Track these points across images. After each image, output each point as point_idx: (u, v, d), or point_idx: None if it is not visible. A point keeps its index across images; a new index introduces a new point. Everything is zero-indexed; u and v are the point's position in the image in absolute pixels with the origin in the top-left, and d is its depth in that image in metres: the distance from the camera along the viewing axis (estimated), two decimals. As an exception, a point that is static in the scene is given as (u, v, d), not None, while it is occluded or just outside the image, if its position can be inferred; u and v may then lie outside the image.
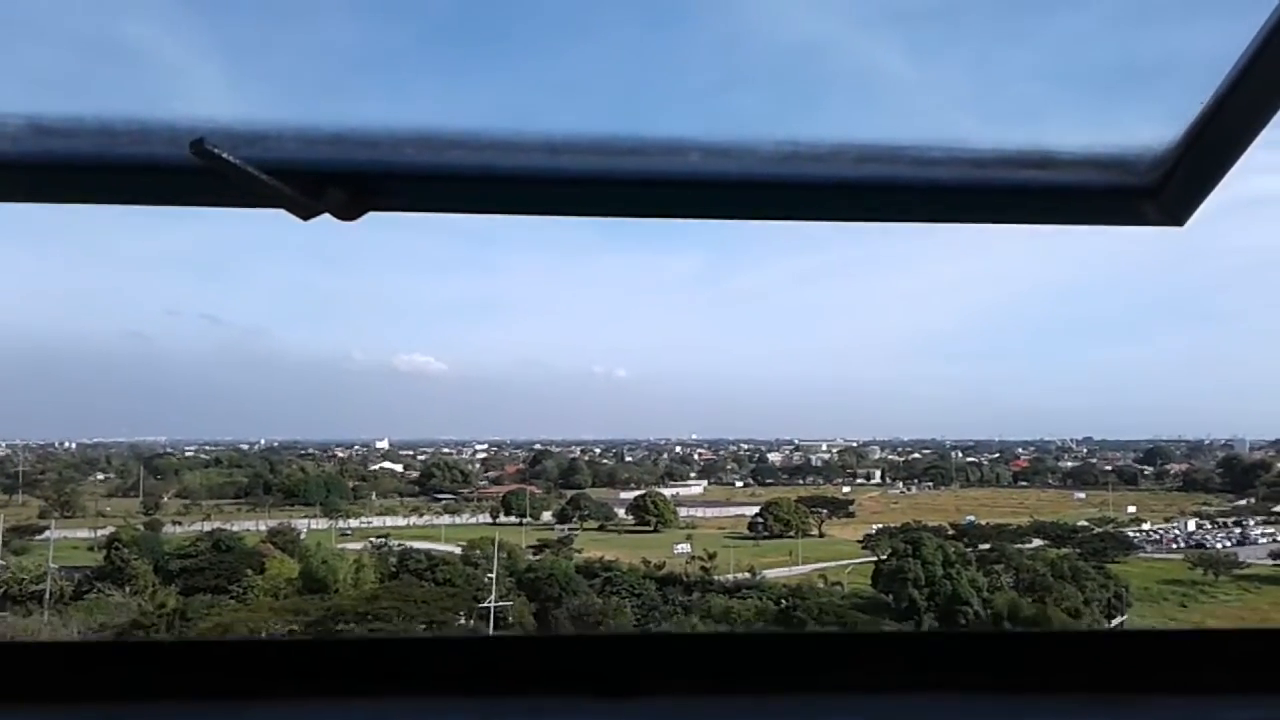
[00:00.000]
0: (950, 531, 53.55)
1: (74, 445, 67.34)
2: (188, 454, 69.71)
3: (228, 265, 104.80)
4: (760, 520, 61.83)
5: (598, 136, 1.36)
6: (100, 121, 1.42)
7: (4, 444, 62.55)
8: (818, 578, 47.48)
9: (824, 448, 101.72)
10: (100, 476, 63.21)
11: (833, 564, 51.19)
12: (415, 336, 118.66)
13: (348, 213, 1.33)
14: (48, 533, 49.71)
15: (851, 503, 70.76)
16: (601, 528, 62.75)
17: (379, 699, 1.19)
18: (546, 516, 64.13)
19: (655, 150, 1.36)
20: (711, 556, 50.45)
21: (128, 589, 40.46)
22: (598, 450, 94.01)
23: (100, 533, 49.76)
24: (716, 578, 46.66)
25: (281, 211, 1.35)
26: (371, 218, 1.37)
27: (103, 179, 1.43)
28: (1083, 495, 76.06)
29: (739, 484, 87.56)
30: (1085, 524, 58.67)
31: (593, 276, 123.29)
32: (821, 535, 62.12)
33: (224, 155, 1.21)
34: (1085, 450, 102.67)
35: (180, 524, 54.20)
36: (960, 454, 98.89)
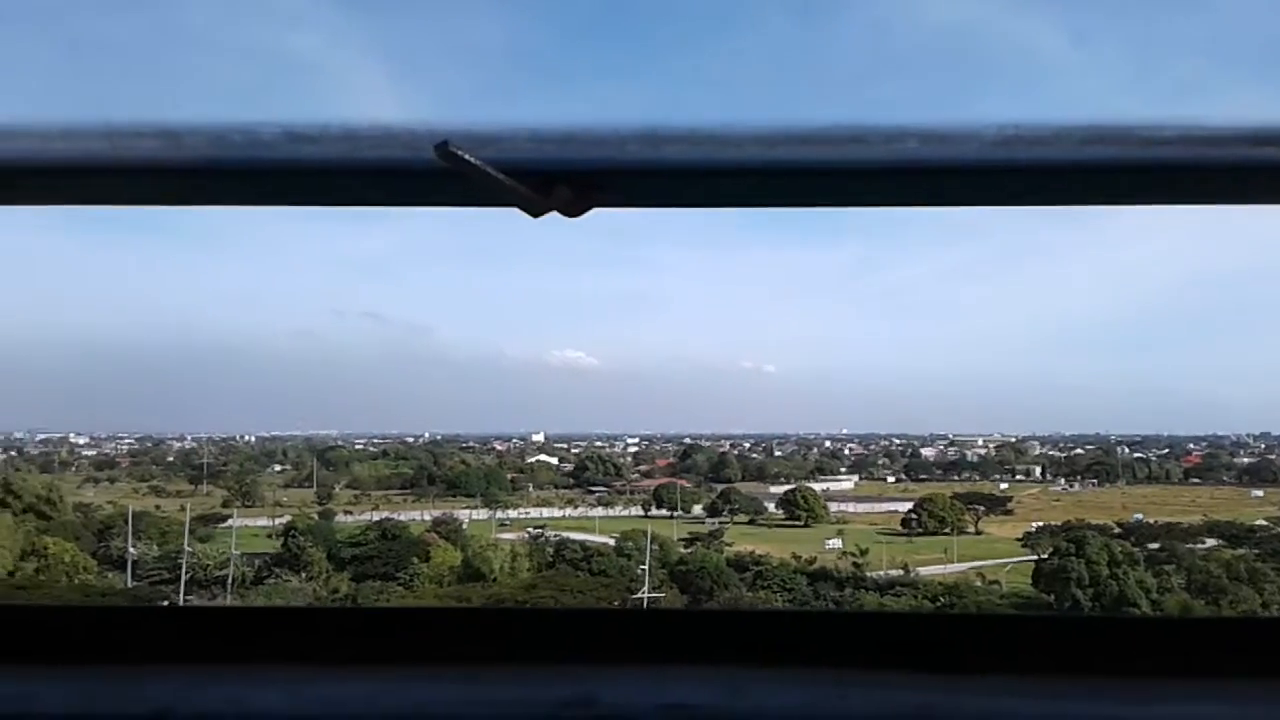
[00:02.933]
0: (1116, 530, 51.57)
1: (253, 439, 71.51)
2: (357, 447, 73.20)
3: (390, 265, 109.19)
4: (914, 516, 60.88)
5: (818, 127, 1.38)
6: (345, 127, 1.49)
7: (190, 437, 66.89)
8: (975, 576, 46.54)
9: (980, 442, 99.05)
10: (277, 468, 66.97)
11: (990, 562, 50.04)
12: (567, 332, 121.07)
13: (573, 209, 1.38)
14: (230, 521, 52.87)
15: (1010, 499, 68.82)
16: (751, 522, 62.96)
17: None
18: (697, 510, 64.74)
19: (876, 139, 1.36)
20: (863, 552, 50.06)
21: (303, 575, 42.89)
22: (747, 445, 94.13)
23: (278, 521, 52.71)
24: (869, 574, 46.29)
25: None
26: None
27: (348, 182, 1.50)
28: (1260, 493, 71.89)
29: (891, 479, 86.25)
30: (1264, 523, 55.52)
31: (742, 271, 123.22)
32: (978, 532, 60.73)
33: (467, 157, 1.29)
34: (1263, 445, 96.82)
35: (351, 513, 56.90)
36: (1126, 449, 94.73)
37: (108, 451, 65.30)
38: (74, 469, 61.10)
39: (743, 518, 63.45)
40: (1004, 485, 78.20)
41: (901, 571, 47.28)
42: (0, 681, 1.08)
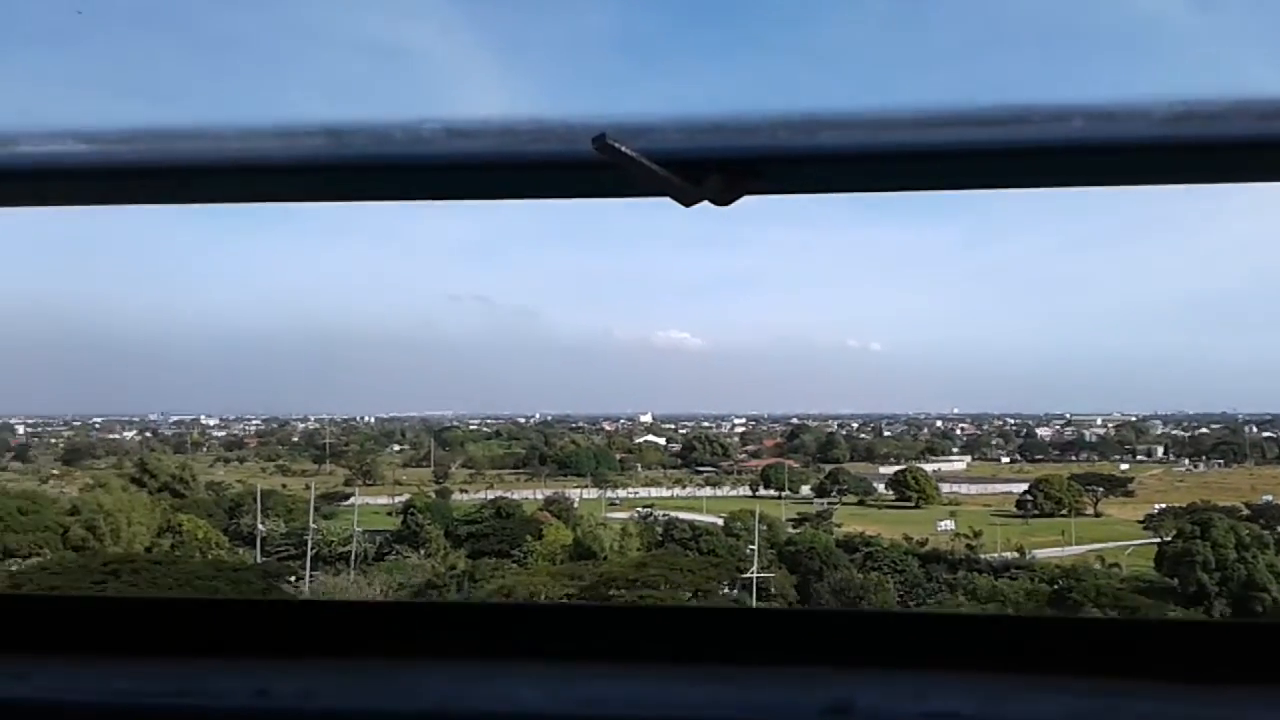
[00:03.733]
0: (1245, 512, 49.63)
1: (373, 420, 73.66)
2: (471, 427, 74.80)
3: (500, 250, 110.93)
4: (1029, 498, 59.56)
5: (979, 108, 1.36)
6: (504, 122, 1.54)
7: (313, 419, 69.25)
8: (1094, 559, 45.42)
9: (1099, 422, 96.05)
10: (396, 448, 68.88)
11: (1110, 545, 48.72)
12: (672, 314, 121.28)
13: (724, 197, 1.39)
14: (352, 499, 54.77)
15: (1130, 480, 66.73)
16: (861, 503, 62.46)
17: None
18: (805, 490, 64.50)
19: (1041, 118, 1.33)
20: (977, 534, 49.26)
21: (422, 551, 44.23)
22: (855, 425, 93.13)
23: (397, 499, 54.30)
24: (983, 556, 45.57)
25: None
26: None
27: (506, 177, 1.54)
28: (1404, 474, 68.15)
29: (1005, 460, 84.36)
30: None
31: (846, 250, 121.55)
32: (1097, 515, 59.11)
33: (624, 149, 1.29)
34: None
35: (466, 492, 58.28)
36: (1254, 428, 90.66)
37: (236, 432, 68.20)
38: (205, 449, 63.96)
39: (851, 498, 62.98)
40: (1124, 466, 75.79)
41: (1016, 554, 46.40)
42: (281, 676, 1.12)
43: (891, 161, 1.40)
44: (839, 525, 51.93)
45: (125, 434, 63.75)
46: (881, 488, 64.81)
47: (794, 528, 50.56)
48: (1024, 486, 61.98)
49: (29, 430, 63.61)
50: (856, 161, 1.39)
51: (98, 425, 65.97)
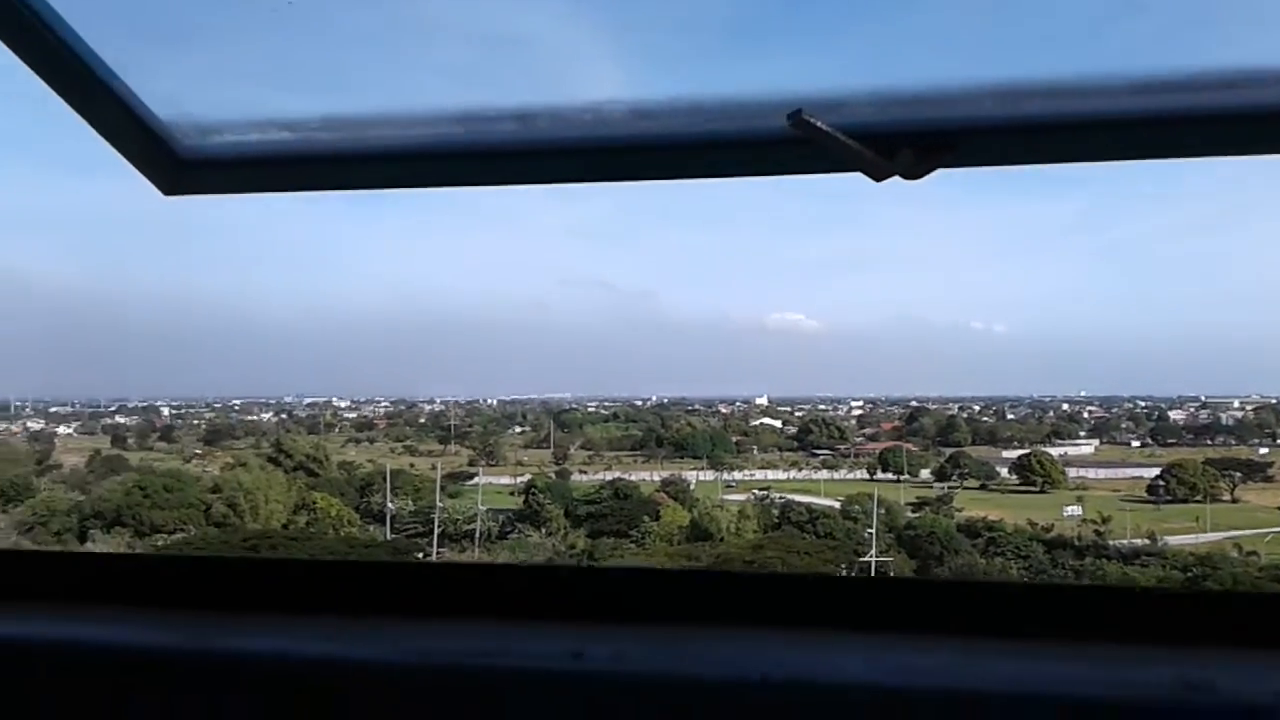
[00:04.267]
0: (1397, 500, 47.05)
1: (495, 402, 74.99)
2: (590, 409, 75.59)
3: (617, 233, 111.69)
4: (1161, 483, 57.47)
5: (1196, 72, 1.29)
6: (691, 101, 1.53)
7: (439, 400, 70.98)
8: (1230, 547, 43.71)
9: (1236, 405, 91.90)
10: (517, 429, 70.11)
11: (1249, 532, 46.74)
12: (786, 295, 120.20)
13: (915, 172, 1.34)
14: (476, 479, 56.14)
15: (1270, 465, 63.73)
16: (983, 487, 61.21)
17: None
18: (925, 474, 63.50)
19: (1270, 81, 1.26)
20: (1105, 520, 47.87)
21: (543, 530, 45.21)
22: (977, 408, 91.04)
23: (519, 479, 55.36)
24: (1111, 543, 44.28)
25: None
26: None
27: (699, 155, 1.52)
28: None
29: (1135, 444, 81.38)
30: None
31: (963, 229, 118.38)
32: (1235, 501, 56.69)
33: (819, 124, 1.26)
34: None
35: (585, 473, 59.07)
36: None
37: (367, 414, 70.28)
38: (337, 430, 66.18)
39: (973, 483, 61.73)
40: (1264, 450, 72.37)
41: (1147, 540, 44.96)
42: (594, 639, 1.12)
43: (1101, 129, 1.34)
44: (960, 510, 51.06)
45: (263, 415, 66.56)
46: (1004, 472, 63.33)
47: (913, 512, 49.95)
48: (1156, 471, 59.81)
49: (173, 412, 66.91)
50: (1061, 130, 1.34)
51: (237, 407, 68.95)
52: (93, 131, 1.80)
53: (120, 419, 65.31)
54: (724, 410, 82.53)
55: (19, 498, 45.47)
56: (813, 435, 73.36)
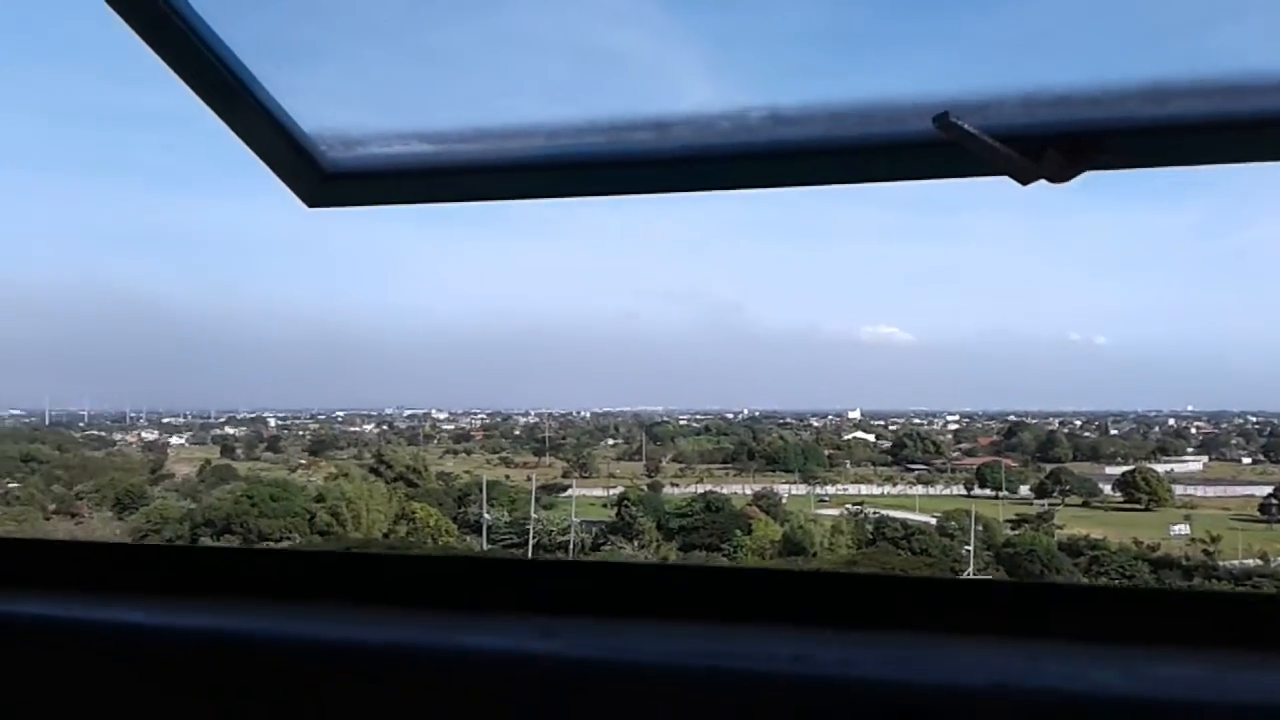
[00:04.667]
0: None
1: (588, 414, 75.57)
2: (681, 422, 75.73)
3: (706, 246, 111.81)
4: (1274, 501, 55.24)
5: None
6: (828, 108, 1.49)
7: (533, 413, 71.83)
8: (1349, 568, 41.91)
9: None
10: (610, 442, 70.56)
11: (1370, 554, 44.76)
12: (879, 308, 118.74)
13: (1063, 174, 1.30)
14: (569, 490, 56.75)
15: (1395, 485, 60.85)
16: (1085, 504, 59.62)
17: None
18: (1024, 490, 62.15)
19: None
20: (1214, 539, 46.27)
21: (635, 543, 45.54)
22: (1078, 422, 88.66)
23: (611, 492, 55.80)
24: (1221, 563, 42.81)
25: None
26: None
27: (838, 161, 1.50)
28: None
29: (1247, 460, 78.42)
30: None
31: (1065, 237, 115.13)
32: (1355, 521, 54.30)
33: (967, 126, 1.23)
34: None
35: (677, 486, 59.18)
36: None
37: (464, 426, 71.42)
38: (435, 442, 67.41)
39: (1075, 499, 60.17)
40: (1388, 469, 69.11)
41: (1259, 561, 43.35)
42: (817, 644, 1.08)
43: (1258, 129, 1.28)
44: (1061, 527, 49.89)
45: (364, 427, 68.24)
46: (1108, 489, 61.60)
47: (1012, 529, 48.98)
48: (1268, 489, 57.58)
49: (279, 423, 68.99)
50: (1214, 130, 1.28)
51: (340, 418, 70.74)
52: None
53: (229, 430, 67.66)
54: (816, 424, 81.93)
55: (134, 506, 47.57)
56: (907, 450, 72.32)
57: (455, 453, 65.17)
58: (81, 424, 65.23)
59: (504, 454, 65.36)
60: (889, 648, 1.09)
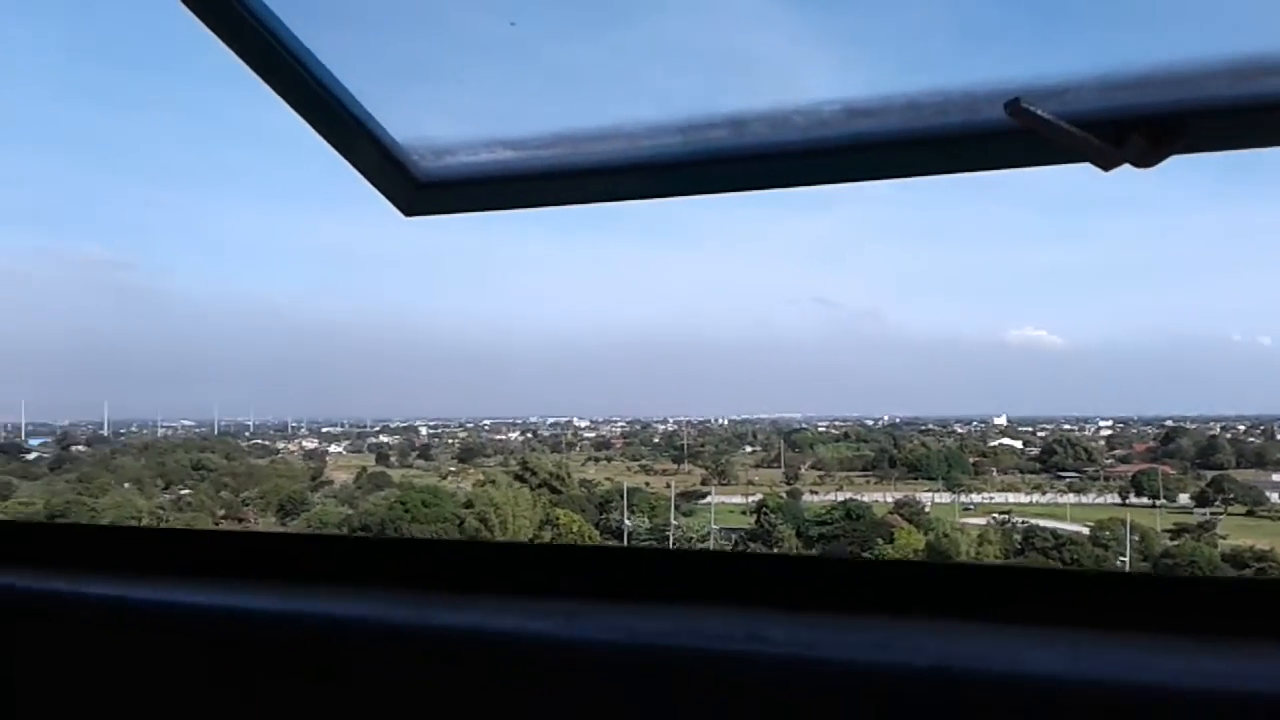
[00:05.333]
0: None
1: (726, 421, 75.77)
2: (820, 429, 75.22)
3: (840, 250, 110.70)
4: None
5: None
6: (907, 97, 1.46)
7: (672, 420, 72.46)
8: None
9: None
10: (748, 449, 70.49)
11: None
12: (1025, 310, 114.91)
13: (1147, 159, 1.25)
14: (708, 498, 57.06)
15: None
16: (1250, 513, 56.61)
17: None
18: (1183, 499, 59.45)
19: None
20: (1396, 551, 43.51)
21: (775, 550, 45.56)
22: (1241, 427, 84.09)
23: (750, 499, 55.85)
24: (1403, 576, 40.19)
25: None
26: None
27: (917, 153, 1.47)
28: None
29: None
30: None
31: (1216, 234, 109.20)
32: None
33: (1040, 113, 1.19)
34: None
35: (816, 493, 58.64)
36: None
37: (604, 434, 72.47)
38: (578, 449, 68.63)
39: (1239, 508, 57.18)
40: None
41: None
42: (774, 623, 1.10)
43: None
44: (1224, 538, 47.59)
45: (510, 435, 70.04)
46: (1275, 497, 58.41)
47: (1171, 539, 47.01)
48: None
49: (430, 431, 71.38)
50: None
51: (487, 427, 72.71)
52: (337, 166, 1.90)
53: (384, 438, 70.38)
54: (960, 430, 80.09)
55: (296, 511, 50.21)
56: (1057, 456, 69.98)
57: (596, 460, 66.05)
58: (247, 433, 68.87)
59: (644, 461, 65.87)
60: (852, 628, 1.11)
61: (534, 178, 1.83)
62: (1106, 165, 1.27)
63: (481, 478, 56.27)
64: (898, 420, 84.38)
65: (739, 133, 1.63)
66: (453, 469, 61.29)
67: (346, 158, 1.88)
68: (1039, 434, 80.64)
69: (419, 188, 1.91)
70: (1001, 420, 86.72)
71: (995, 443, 77.16)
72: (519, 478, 54.72)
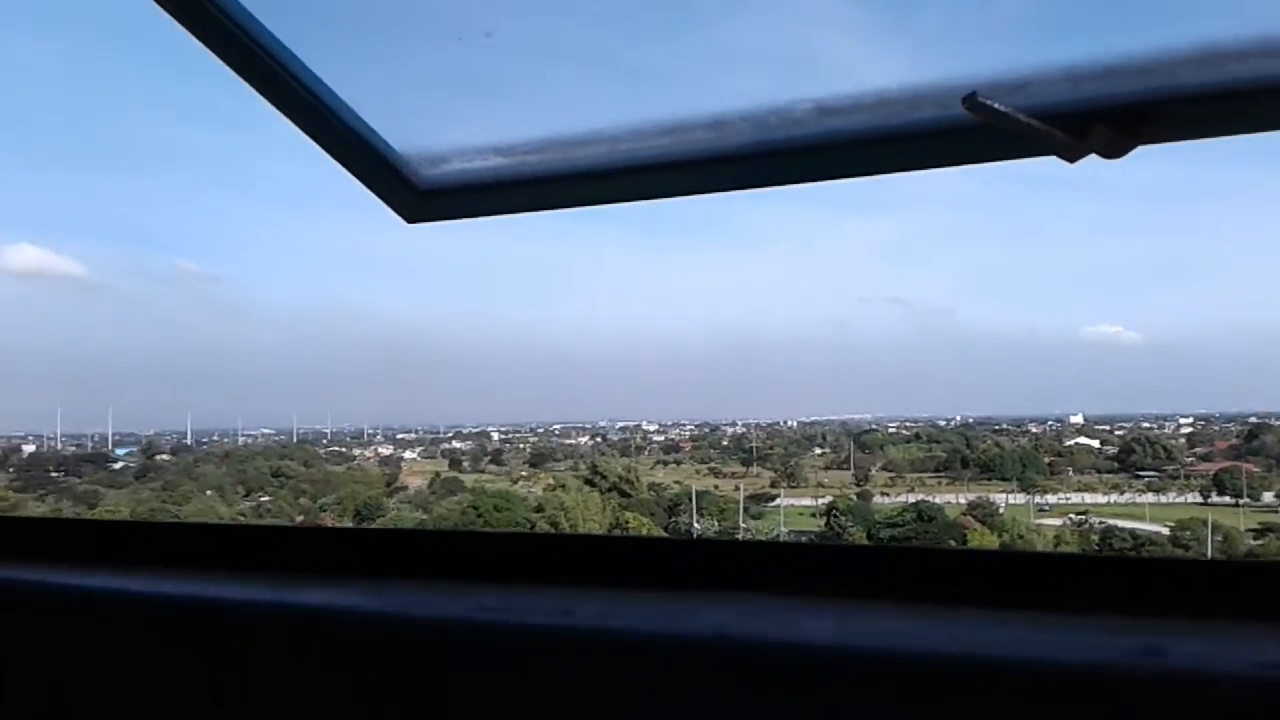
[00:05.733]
0: None
1: (795, 424, 75.40)
2: (890, 430, 74.47)
3: (910, 250, 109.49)
4: None
5: None
6: (878, 93, 1.46)
7: (740, 423, 72.32)
8: None
9: None
10: (818, 451, 70.08)
11: None
12: (1101, 306, 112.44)
13: (1113, 150, 1.26)
14: (777, 500, 56.93)
15: None
16: (1341, 512, 54.89)
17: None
18: (1268, 498, 57.76)
19: None
20: None
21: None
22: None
23: (820, 501, 55.56)
24: None
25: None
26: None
27: (880, 150, 1.48)
28: None
29: None
30: None
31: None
32: None
33: (996, 106, 1.20)
34: None
35: (887, 495, 58.09)
36: None
37: (673, 437, 72.59)
38: (646, 453, 68.92)
39: (1333, 508, 55.47)
40: None
41: None
42: (584, 600, 1.12)
43: None
44: (1313, 537, 46.24)
45: (580, 439, 70.53)
46: (1366, 495, 56.50)
47: (1255, 539, 45.77)
48: None
49: (501, 437, 72.19)
50: (1267, 95, 1.23)
51: (557, 431, 73.28)
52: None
53: (456, 444, 71.37)
54: (1034, 429, 78.62)
55: (372, 516, 51.25)
56: (1135, 455, 68.39)
57: (665, 463, 66.15)
58: (325, 440, 70.30)
59: (712, 464, 65.83)
60: (647, 602, 1.15)
61: (526, 183, 1.87)
62: (1071, 157, 1.29)
63: (552, 482, 56.80)
64: (971, 420, 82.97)
65: (720, 134, 1.65)
66: (524, 474, 61.94)
67: (347, 168, 1.91)
68: (1117, 433, 78.67)
69: (420, 195, 1.95)
70: (1078, 419, 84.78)
71: (1071, 442, 75.51)
72: (589, 482, 55.12)
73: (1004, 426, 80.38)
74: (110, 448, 59.61)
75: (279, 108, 1.83)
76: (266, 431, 70.45)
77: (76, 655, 1.40)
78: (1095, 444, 76.54)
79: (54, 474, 53.04)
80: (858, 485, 60.85)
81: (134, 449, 60.18)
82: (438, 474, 61.16)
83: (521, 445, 71.34)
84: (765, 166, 1.64)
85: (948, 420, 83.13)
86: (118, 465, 55.87)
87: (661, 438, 74.54)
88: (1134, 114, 1.26)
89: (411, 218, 2.00)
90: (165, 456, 59.02)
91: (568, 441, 71.87)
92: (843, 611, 1.07)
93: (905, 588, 1.12)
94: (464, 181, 1.94)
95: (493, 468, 64.86)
